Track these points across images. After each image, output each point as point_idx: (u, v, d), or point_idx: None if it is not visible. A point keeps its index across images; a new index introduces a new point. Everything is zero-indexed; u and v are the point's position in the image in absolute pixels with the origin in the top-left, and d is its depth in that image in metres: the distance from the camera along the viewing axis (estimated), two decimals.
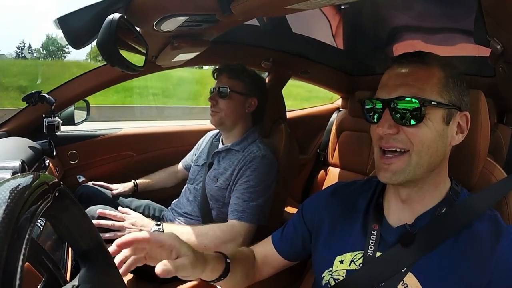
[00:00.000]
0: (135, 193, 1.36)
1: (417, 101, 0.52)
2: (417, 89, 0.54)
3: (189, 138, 1.56)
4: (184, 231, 1.01)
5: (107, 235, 0.95)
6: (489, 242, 0.52)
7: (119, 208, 1.06)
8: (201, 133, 1.43)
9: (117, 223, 0.97)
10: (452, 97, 0.56)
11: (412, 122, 0.53)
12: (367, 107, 0.59)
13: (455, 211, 0.56)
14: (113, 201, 1.19)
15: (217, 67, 1.22)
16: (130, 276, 1.12)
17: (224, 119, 1.15)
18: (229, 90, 1.14)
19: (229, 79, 1.16)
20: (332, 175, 1.86)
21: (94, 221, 0.94)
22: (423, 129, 0.54)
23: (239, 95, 1.15)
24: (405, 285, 0.55)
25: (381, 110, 0.56)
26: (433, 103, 0.53)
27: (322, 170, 1.94)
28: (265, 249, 0.76)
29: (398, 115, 0.54)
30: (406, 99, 0.53)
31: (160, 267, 0.49)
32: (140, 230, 0.98)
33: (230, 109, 1.14)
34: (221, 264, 0.63)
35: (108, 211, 1.00)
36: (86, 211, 0.89)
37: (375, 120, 0.58)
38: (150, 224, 1.00)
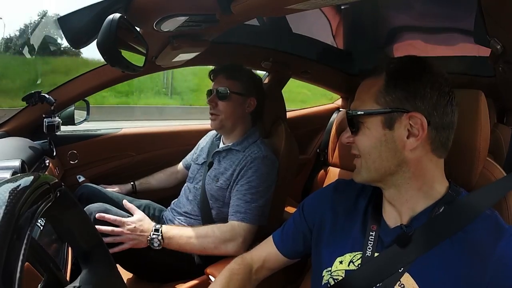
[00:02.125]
0: (134, 194, 1.35)
1: (347, 115, 0.61)
2: (360, 102, 0.61)
3: (189, 138, 1.56)
4: (183, 233, 1.00)
5: (106, 239, 0.94)
6: (489, 242, 0.52)
7: (124, 201, 1.04)
8: (201, 133, 1.43)
9: (116, 229, 0.95)
10: (390, 102, 0.56)
11: (353, 131, 0.61)
12: None
13: (454, 210, 0.56)
14: (114, 202, 1.19)
15: (213, 68, 1.20)
16: (130, 276, 1.12)
17: (224, 122, 1.14)
18: (228, 91, 1.11)
19: (228, 80, 1.13)
20: (332, 175, 1.85)
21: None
22: (361, 137, 0.60)
23: (239, 95, 1.13)
24: (402, 286, 0.55)
25: None
26: (359, 113, 0.59)
27: (322, 170, 1.94)
28: (264, 252, 0.76)
29: (351, 126, 0.62)
30: (348, 112, 0.61)
31: None
32: (139, 236, 0.96)
33: (230, 111, 1.12)
34: None
35: (107, 215, 0.97)
36: (85, 209, 0.89)
37: None
38: (149, 229, 0.98)
